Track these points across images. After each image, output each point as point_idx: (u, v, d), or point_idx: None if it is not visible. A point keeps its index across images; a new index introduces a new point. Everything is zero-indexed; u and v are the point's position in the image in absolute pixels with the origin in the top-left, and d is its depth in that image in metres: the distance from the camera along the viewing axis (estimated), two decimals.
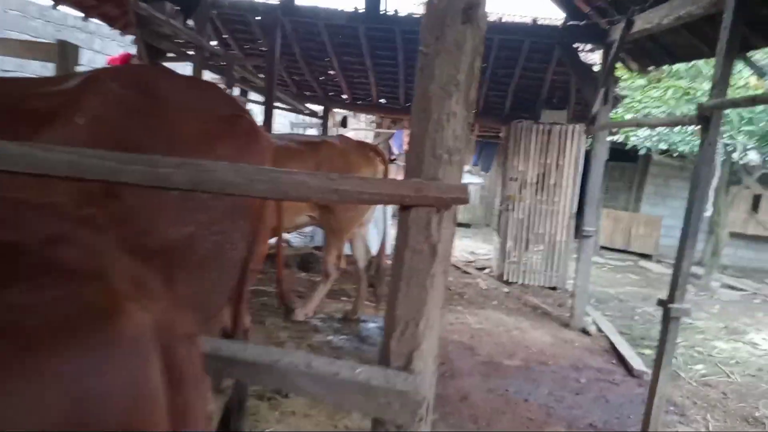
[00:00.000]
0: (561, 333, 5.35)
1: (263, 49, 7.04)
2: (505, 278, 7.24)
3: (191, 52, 5.87)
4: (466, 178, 12.42)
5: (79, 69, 3.72)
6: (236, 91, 7.51)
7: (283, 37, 6.83)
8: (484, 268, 8.00)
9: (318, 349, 4.17)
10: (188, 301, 1.83)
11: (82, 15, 5.82)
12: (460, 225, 12.41)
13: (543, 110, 7.21)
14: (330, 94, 8.33)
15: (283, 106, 8.10)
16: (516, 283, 7.19)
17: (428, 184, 1.06)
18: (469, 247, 10.11)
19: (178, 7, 5.87)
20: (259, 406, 3.21)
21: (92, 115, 1.59)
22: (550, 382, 4.12)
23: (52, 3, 5.33)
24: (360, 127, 12.97)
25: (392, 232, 7.57)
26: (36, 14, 6.82)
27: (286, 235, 7.06)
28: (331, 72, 7.58)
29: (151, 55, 6.08)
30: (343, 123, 13.02)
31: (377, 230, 6.59)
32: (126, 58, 6.30)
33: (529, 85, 7.12)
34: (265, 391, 3.34)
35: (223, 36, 6.90)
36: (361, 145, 4.66)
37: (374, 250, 5.08)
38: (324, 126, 8.48)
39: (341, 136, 4.72)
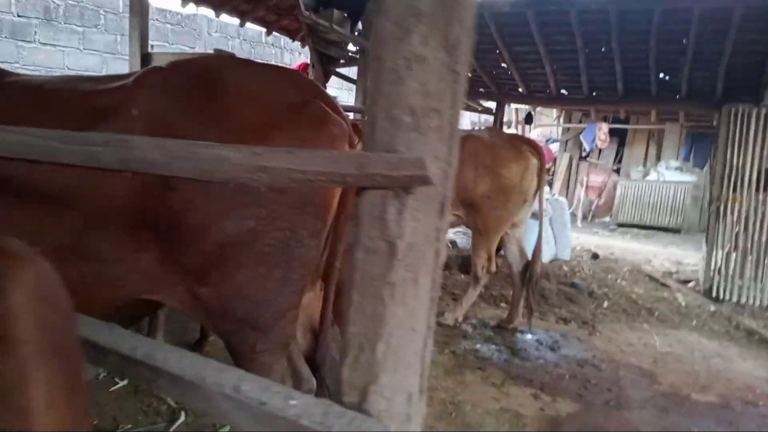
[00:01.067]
0: None
1: None
2: (714, 294, 5.99)
3: (356, 56, 6.05)
4: (675, 176, 10.75)
5: None
6: None
7: None
8: (688, 281, 6.74)
9: (462, 357, 3.87)
10: (251, 298, 1.76)
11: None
12: (667, 230, 10.75)
13: (767, 91, 5.79)
14: (504, 88, 7.89)
15: None
16: (728, 300, 5.89)
17: (373, 157, 0.77)
18: (675, 255, 8.66)
19: (346, 14, 6.10)
20: None
21: (146, 107, 1.60)
22: (755, 428, 3.21)
23: (239, 22, 5.95)
24: (546, 123, 12.14)
25: (545, 234, 6.82)
26: (234, 34, 7.77)
27: (452, 236, 6.86)
28: (503, 65, 7.16)
29: (323, 63, 6.43)
30: (528, 119, 12.32)
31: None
32: (303, 68, 6.78)
33: (747, 61, 5.79)
34: None
35: None
36: (513, 138, 4.23)
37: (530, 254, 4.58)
38: (497, 122, 8.06)
39: (491, 129, 4.34)
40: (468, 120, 12.56)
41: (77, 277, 1.52)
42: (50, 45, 6.14)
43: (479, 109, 8.27)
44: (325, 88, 6.59)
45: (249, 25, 6.51)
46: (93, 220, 1.56)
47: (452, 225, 4.54)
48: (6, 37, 5.72)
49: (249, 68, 1.84)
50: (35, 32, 5.99)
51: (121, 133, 1.56)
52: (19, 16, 5.81)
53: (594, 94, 7.26)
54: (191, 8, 5.82)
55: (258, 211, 1.67)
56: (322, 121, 1.79)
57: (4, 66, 1.99)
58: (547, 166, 11.97)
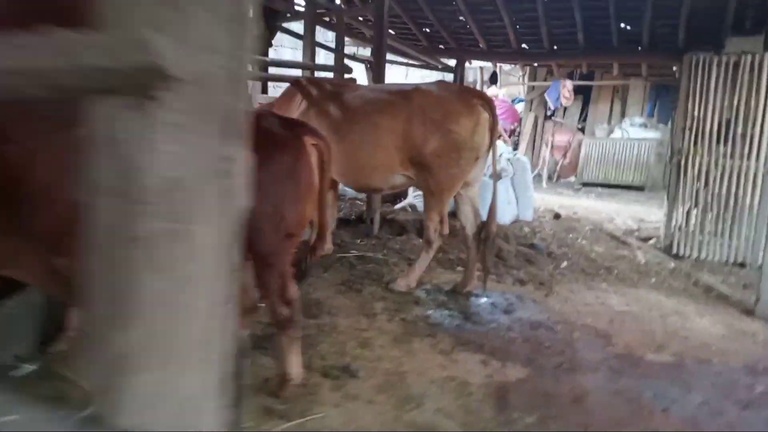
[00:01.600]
0: (739, 322, 4.11)
1: None
2: (674, 251, 5.91)
3: (302, 9, 5.64)
4: (640, 133, 10.66)
5: None
6: (361, 50, 7.18)
7: None
8: (649, 239, 6.66)
9: (412, 324, 3.67)
10: None
11: None
12: (631, 188, 10.71)
13: (728, 38, 5.61)
14: (464, 44, 7.56)
15: (415, 63, 7.57)
16: (688, 256, 5.83)
17: (76, 39, 0.49)
18: (638, 213, 8.61)
19: None
20: (321, 384, 2.84)
21: None
22: (709, 388, 3.10)
23: None
24: (512, 82, 11.87)
25: (507, 194, 6.66)
26: None
27: (412, 200, 6.63)
28: (461, 18, 6.83)
29: (269, 17, 6.00)
30: (493, 79, 12.01)
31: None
32: None
33: (709, 7, 5.58)
34: (332, 368, 2.97)
35: None
36: (464, 91, 3.95)
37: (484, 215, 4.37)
38: (457, 80, 7.76)
39: (440, 82, 4.05)
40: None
41: None
42: None
43: (439, 66, 7.93)
44: (270, 45, 6.19)
45: None
46: None
47: (402, 186, 4.28)
48: None
49: None
50: None
51: None
52: None
53: (555, 48, 7.01)
54: None
55: None
56: None
57: None
58: (513, 127, 11.75)
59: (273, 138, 2.33)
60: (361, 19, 6.43)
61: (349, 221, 5.89)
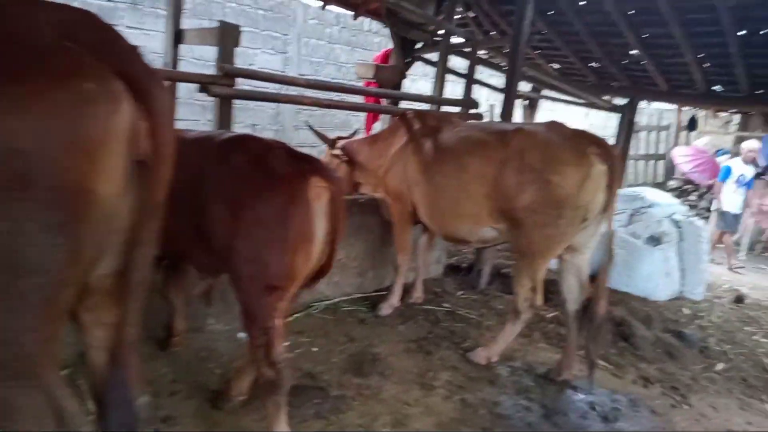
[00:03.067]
0: None
1: (543, 32, 5.92)
2: None
3: (439, 39, 5.34)
4: None
5: (237, 50, 3.65)
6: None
7: (559, 14, 5.61)
8: None
9: (472, 409, 3.05)
10: None
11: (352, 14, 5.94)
12: None
13: None
14: (639, 82, 6.50)
15: (574, 99, 6.74)
16: None
17: None
18: None
19: None
20: None
21: None
22: None
23: (322, 4, 5.56)
24: (713, 130, 10.01)
25: (666, 264, 5.41)
26: (333, 21, 7.41)
27: None
28: (634, 52, 5.85)
29: (405, 47, 5.83)
30: (691, 125, 10.23)
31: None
32: (386, 54, 6.24)
33: None
34: None
35: (494, 19, 6.10)
36: (575, 135, 3.21)
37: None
38: (626, 123, 6.69)
39: (551, 123, 3.36)
40: (610, 123, 10.86)
41: None
42: (136, 29, 6.24)
43: (607, 106, 6.94)
44: (404, 76, 5.99)
45: (349, 12, 6.11)
46: None
47: (494, 242, 3.66)
48: None
49: (14, 3, 1.39)
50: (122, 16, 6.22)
51: None
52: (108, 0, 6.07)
53: (757, 92, 5.61)
54: None
55: None
56: (67, 72, 1.30)
57: None
58: (711, 182, 9.92)
59: (268, 174, 2.05)
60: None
61: (458, 269, 5.34)
